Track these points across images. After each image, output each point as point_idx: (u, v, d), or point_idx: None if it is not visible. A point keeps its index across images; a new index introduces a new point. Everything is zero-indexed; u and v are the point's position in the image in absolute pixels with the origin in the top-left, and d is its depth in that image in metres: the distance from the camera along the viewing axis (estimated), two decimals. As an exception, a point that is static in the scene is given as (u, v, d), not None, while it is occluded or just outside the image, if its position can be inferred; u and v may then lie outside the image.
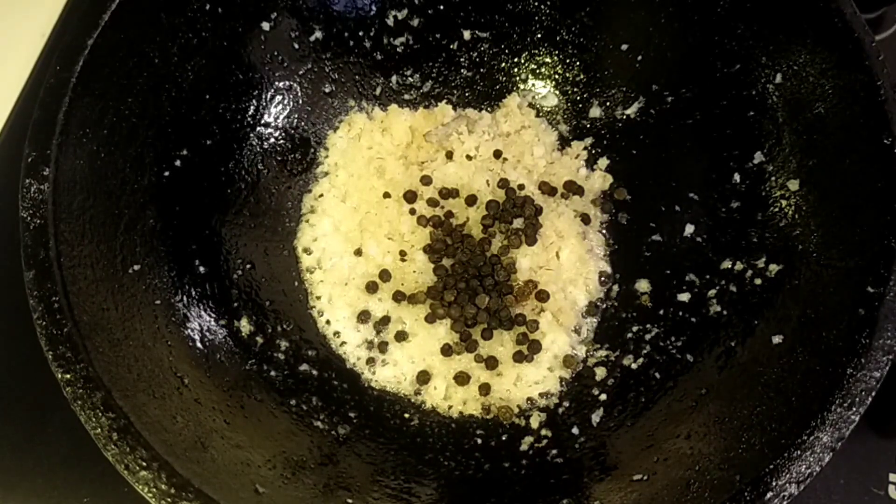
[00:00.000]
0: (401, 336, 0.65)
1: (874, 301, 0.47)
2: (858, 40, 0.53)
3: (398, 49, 0.74)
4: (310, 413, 0.59)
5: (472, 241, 0.68)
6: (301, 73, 0.71)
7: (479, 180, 0.69)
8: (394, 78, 0.75)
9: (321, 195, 0.72)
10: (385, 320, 0.66)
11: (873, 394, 0.45)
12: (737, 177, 0.62)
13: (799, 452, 0.44)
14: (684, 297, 0.63)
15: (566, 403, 0.62)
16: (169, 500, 0.44)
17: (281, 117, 0.71)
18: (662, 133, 0.69)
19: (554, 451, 0.57)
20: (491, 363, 0.64)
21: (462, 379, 0.63)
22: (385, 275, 0.67)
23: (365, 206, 0.70)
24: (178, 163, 0.62)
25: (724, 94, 0.63)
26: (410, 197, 0.70)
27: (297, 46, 0.70)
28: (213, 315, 0.60)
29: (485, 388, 0.63)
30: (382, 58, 0.74)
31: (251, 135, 0.69)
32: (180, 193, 0.61)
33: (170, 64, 0.61)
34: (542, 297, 0.65)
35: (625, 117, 0.72)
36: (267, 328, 0.64)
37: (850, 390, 0.45)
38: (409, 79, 0.75)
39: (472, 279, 0.65)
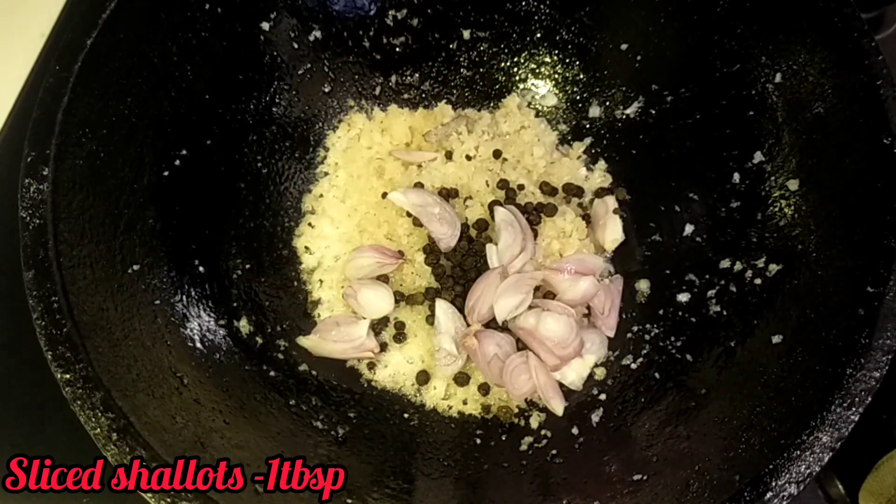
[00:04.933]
0: (400, 336, 0.65)
1: (874, 301, 0.47)
2: (858, 40, 0.53)
3: (397, 49, 0.74)
4: (310, 413, 0.59)
5: (470, 241, 0.68)
6: (300, 72, 0.71)
7: (478, 180, 0.69)
8: (393, 77, 0.75)
9: (321, 195, 0.72)
10: (384, 321, 0.66)
11: (873, 393, 0.45)
12: (736, 177, 0.62)
13: (799, 452, 0.44)
14: (684, 297, 0.63)
15: (566, 403, 0.62)
16: (168, 500, 0.44)
17: (280, 117, 0.71)
18: (662, 133, 0.69)
19: (554, 451, 0.57)
20: (491, 363, 0.64)
21: (462, 379, 0.63)
22: (383, 276, 0.67)
23: (364, 206, 0.70)
24: (177, 163, 0.62)
25: (724, 94, 0.63)
26: (410, 197, 0.70)
27: (296, 46, 0.70)
28: (212, 315, 0.60)
29: (484, 388, 0.63)
30: (382, 57, 0.74)
31: (251, 135, 0.69)
32: (180, 193, 0.61)
33: (169, 64, 0.61)
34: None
35: (625, 117, 0.72)
36: (266, 328, 0.64)
37: (850, 390, 0.45)
38: (409, 78, 0.75)
39: (469, 280, 0.65)
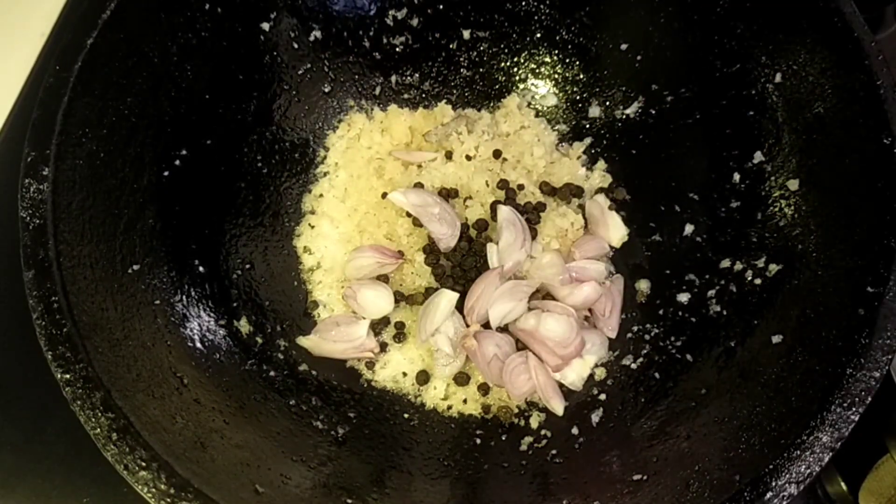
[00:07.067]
0: (400, 336, 0.65)
1: (874, 301, 0.47)
2: (858, 40, 0.53)
3: (397, 49, 0.74)
4: (309, 413, 0.59)
5: (470, 241, 0.68)
6: (300, 72, 0.71)
7: (478, 180, 0.69)
8: (393, 77, 0.75)
9: (321, 195, 0.72)
10: (384, 321, 0.66)
11: (873, 393, 0.45)
12: (736, 177, 0.62)
13: (799, 452, 0.44)
14: (684, 297, 0.63)
15: (566, 403, 0.62)
16: (168, 500, 0.44)
17: (280, 117, 0.71)
18: (662, 133, 0.69)
19: (554, 452, 0.57)
20: (491, 363, 0.64)
21: (462, 379, 0.63)
22: (383, 276, 0.67)
23: (364, 206, 0.70)
24: (177, 163, 0.62)
25: (724, 94, 0.63)
26: (410, 197, 0.70)
27: (296, 46, 0.70)
28: (212, 315, 0.60)
29: (484, 388, 0.63)
30: (382, 57, 0.74)
31: (250, 135, 0.69)
32: (180, 193, 0.61)
33: (170, 64, 0.61)
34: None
35: (625, 117, 0.72)
36: (266, 328, 0.64)
37: (850, 390, 0.45)
38: (409, 78, 0.75)
39: (469, 280, 0.65)
